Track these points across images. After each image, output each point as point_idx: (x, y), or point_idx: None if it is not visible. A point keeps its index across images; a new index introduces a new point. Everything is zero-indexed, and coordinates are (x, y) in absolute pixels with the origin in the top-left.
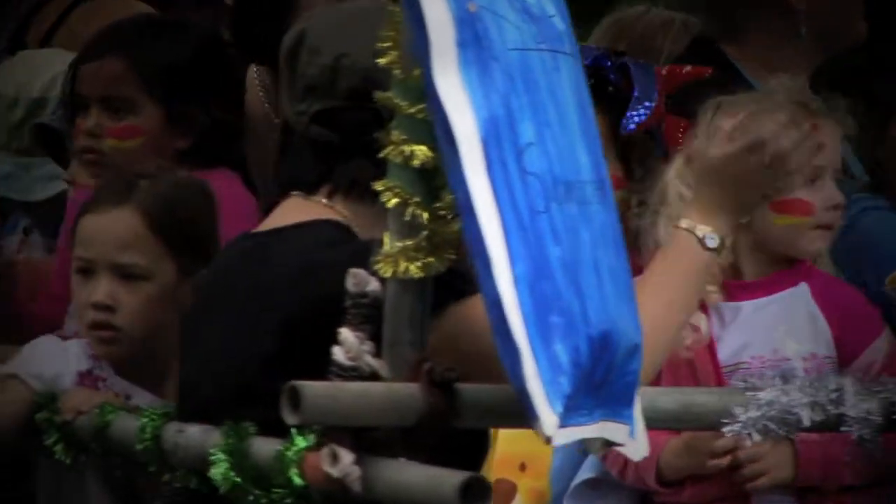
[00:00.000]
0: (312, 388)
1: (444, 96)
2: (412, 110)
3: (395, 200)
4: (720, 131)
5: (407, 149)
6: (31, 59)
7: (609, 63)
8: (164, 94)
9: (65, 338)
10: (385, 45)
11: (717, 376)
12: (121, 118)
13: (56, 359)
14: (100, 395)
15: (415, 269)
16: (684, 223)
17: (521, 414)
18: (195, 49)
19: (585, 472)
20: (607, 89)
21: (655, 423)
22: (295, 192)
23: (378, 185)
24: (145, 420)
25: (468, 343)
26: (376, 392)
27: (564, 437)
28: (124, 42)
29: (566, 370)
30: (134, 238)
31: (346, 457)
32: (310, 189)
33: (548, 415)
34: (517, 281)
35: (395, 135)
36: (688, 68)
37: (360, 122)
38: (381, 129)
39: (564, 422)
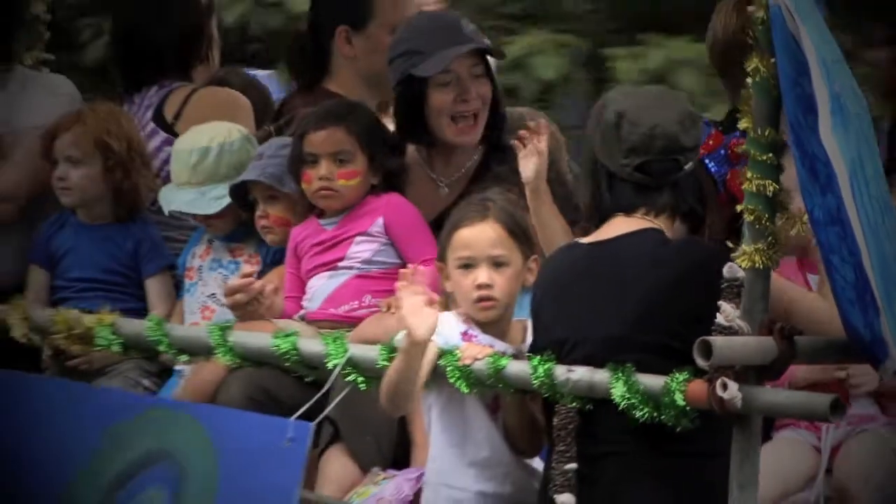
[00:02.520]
0: (717, 341)
1: (828, 149)
2: (763, 157)
3: (752, 217)
4: None
5: (760, 182)
6: (199, 128)
7: None
8: (368, 148)
9: None
10: (742, 114)
11: None
12: (344, 166)
13: (446, 325)
14: (486, 348)
15: (764, 262)
16: None
17: (837, 354)
18: (377, 119)
19: None
20: None
21: None
22: (619, 214)
23: (739, 207)
24: (536, 363)
25: None
26: (751, 343)
27: None
28: (341, 117)
29: None
30: (501, 239)
31: (733, 385)
32: (629, 211)
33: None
34: (874, 267)
35: (750, 174)
36: None
37: (667, 170)
38: (679, 173)
39: None
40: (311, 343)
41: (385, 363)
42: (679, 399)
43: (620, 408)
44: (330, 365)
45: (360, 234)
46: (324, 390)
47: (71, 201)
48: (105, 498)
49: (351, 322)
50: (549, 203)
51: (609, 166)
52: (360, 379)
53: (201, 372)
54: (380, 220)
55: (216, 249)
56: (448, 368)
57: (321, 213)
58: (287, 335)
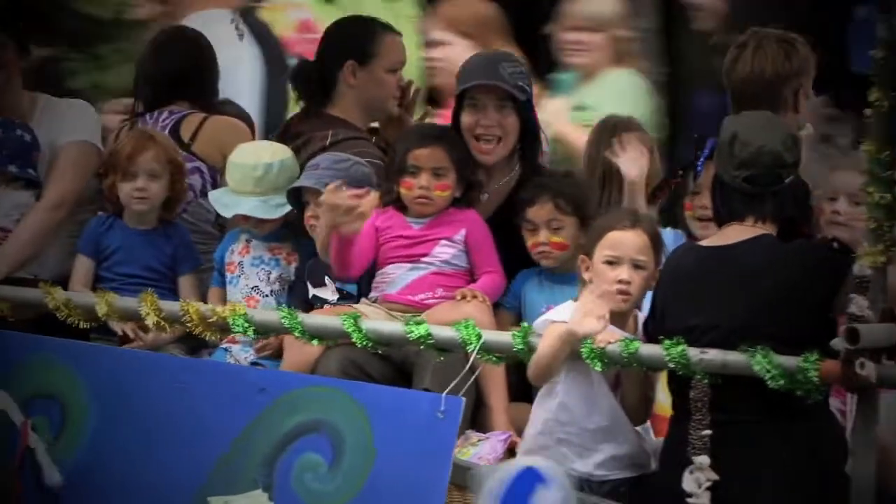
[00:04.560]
0: (863, 328)
1: None
2: (884, 175)
3: (874, 225)
4: None
5: (879, 195)
6: (255, 145)
7: None
8: (459, 167)
9: None
10: (864, 139)
11: None
12: (440, 179)
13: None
14: (615, 334)
15: (882, 260)
16: None
17: None
18: (464, 143)
19: None
20: None
21: None
22: (734, 222)
23: (863, 217)
24: (669, 346)
25: None
26: (881, 328)
27: None
28: (441, 138)
29: None
30: (645, 246)
31: (870, 364)
32: (741, 218)
33: None
34: None
35: (871, 188)
36: None
37: (771, 181)
38: (780, 185)
39: None
40: (444, 330)
41: (521, 346)
42: (814, 376)
43: (766, 379)
44: (469, 349)
45: (445, 238)
46: (466, 369)
47: (145, 208)
48: (265, 462)
49: (421, 308)
50: (642, 202)
51: (723, 177)
52: (494, 357)
53: (302, 349)
54: (463, 231)
55: (255, 248)
56: (584, 350)
57: (403, 209)
58: (419, 323)
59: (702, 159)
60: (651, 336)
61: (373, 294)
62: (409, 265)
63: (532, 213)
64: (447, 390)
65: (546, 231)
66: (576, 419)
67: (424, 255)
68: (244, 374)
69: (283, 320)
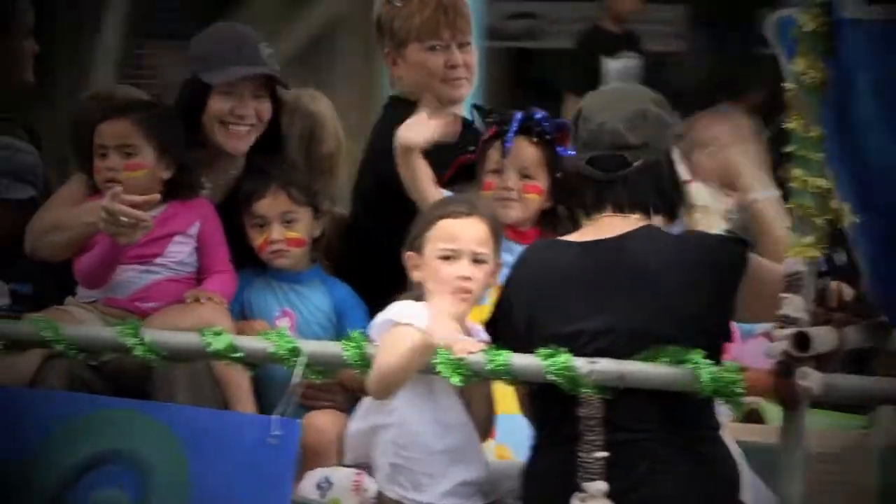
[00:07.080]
0: (814, 332)
1: None
2: (813, 156)
3: (802, 213)
4: None
5: (808, 180)
6: None
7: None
8: (157, 141)
9: None
10: (792, 116)
11: None
12: (131, 158)
13: (419, 318)
14: (478, 343)
15: (815, 254)
16: None
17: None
18: (172, 115)
19: None
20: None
21: None
22: (604, 213)
23: (789, 205)
24: (546, 355)
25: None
26: (826, 332)
27: None
28: (125, 110)
29: None
30: (485, 237)
31: (815, 374)
32: (597, 207)
33: None
34: None
35: (797, 171)
36: None
37: (617, 164)
38: (625, 168)
39: None
40: (251, 340)
41: (355, 358)
42: (739, 387)
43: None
44: (298, 364)
45: (179, 233)
46: (290, 389)
47: None
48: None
49: (145, 314)
50: (424, 167)
51: (571, 161)
52: (313, 373)
53: (23, 359)
54: (197, 224)
55: None
56: (439, 362)
57: None
58: (217, 333)
59: (511, 133)
60: (505, 345)
61: (88, 294)
62: (140, 266)
63: (263, 206)
64: (276, 411)
65: (279, 226)
66: (421, 440)
67: (157, 254)
68: (19, 397)
69: (42, 333)
